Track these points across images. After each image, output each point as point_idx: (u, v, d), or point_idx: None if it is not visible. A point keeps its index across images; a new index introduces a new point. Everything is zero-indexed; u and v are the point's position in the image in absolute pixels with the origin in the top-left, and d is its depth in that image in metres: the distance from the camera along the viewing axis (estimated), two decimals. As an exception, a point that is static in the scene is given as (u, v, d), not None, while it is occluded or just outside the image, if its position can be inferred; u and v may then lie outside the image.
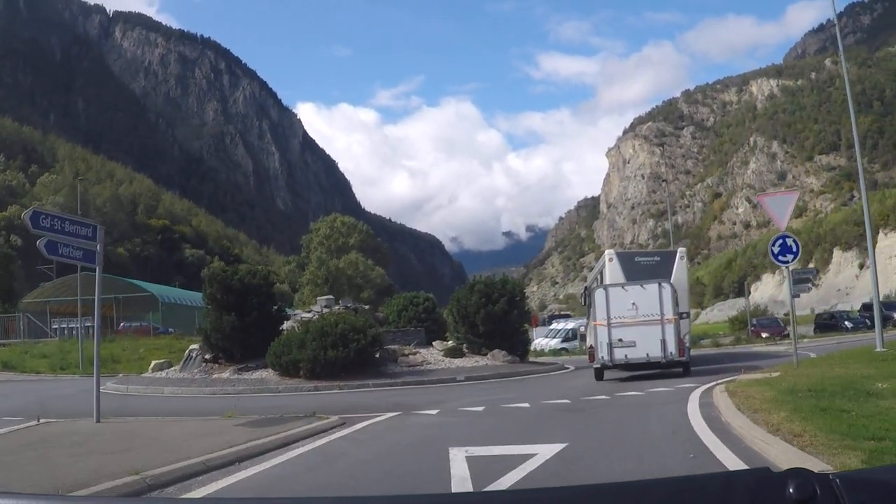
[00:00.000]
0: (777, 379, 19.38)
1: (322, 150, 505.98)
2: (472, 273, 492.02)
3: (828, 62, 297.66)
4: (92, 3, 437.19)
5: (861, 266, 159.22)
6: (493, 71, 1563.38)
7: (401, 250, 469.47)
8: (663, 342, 27.13)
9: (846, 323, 64.49)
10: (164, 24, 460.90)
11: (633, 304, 27.34)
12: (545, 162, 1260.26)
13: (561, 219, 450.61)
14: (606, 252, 36.30)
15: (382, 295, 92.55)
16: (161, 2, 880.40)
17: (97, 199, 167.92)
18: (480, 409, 19.49)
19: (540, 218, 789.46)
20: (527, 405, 20.02)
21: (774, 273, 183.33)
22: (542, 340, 60.74)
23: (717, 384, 21.00)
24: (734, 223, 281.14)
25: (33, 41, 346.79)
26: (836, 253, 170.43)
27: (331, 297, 44.95)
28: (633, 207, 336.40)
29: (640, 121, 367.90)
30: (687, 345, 29.09)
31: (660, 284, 27.88)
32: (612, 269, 33.14)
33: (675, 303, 27.87)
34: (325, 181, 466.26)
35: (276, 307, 36.92)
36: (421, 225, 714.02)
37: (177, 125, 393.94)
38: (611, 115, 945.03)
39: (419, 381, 30.63)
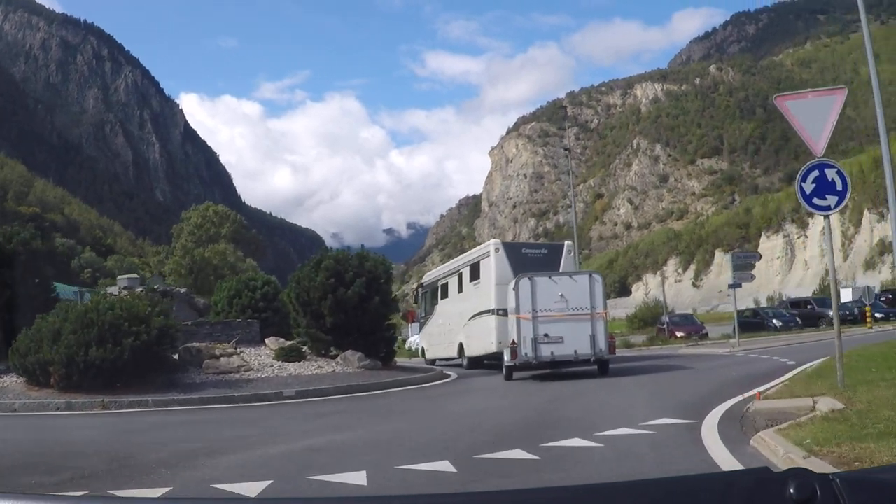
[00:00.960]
0: (860, 411, 11.45)
1: (203, 142, 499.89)
2: None
3: (712, 68, 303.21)
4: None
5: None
6: (379, 67, 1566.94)
7: (280, 245, 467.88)
8: (593, 338, 25.39)
9: (773, 321, 56.44)
10: (47, 7, 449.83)
11: (562, 296, 25.50)
12: (428, 160, 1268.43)
13: (442, 216, 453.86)
14: (491, 242, 33.65)
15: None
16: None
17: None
18: (261, 485, 9.42)
19: (421, 216, 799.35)
20: (362, 478, 9.74)
21: (656, 273, 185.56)
22: (418, 339, 49.27)
23: (729, 413, 14.15)
24: (615, 224, 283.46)
25: None
26: (718, 255, 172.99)
27: (134, 275, 39.09)
28: (514, 206, 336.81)
29: (523, 120, 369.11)
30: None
31: (591, 276, 26.61)
32: (498, 260, 31.19)
33: (605, 297, 26.74)
34: (206, 173, 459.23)
35: (37, 281, 28.50)
36: (302, 220, 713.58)
37: (56, 112, 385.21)
38: (494, 114, 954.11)
39: (226, 398, 21.88)
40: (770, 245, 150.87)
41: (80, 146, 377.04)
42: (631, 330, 67.56)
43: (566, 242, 35.48)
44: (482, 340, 31.63)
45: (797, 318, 56.24)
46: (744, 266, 39.32)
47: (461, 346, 34.62)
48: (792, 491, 1.93)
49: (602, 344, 25.45)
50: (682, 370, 26.75)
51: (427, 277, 45.03)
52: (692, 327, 55.31)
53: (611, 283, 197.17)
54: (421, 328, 44.13)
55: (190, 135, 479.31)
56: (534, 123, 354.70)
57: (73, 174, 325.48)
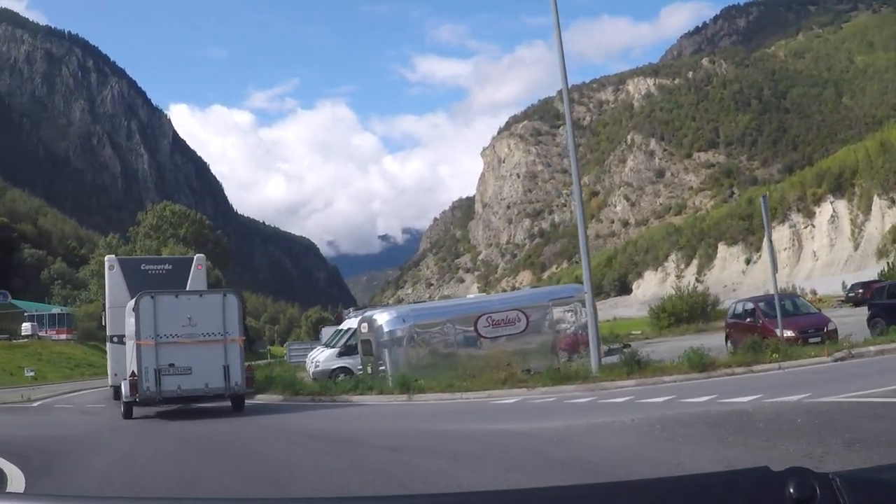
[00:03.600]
0: None
1: (193, 152, 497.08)
2: (347, 277, 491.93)
3: (705, 61, 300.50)
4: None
5: (748, 261, 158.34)
6: (368, 74, 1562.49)
7: (275, 254, 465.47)
8: (226, 368, 22.29)
9: None
10: (31, 20, 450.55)
11: (189, 318, 22.20)
12: (421, 164, 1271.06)
13: (436, 220, 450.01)
14: (106, 259, 32.38)
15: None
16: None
17: None
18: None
19: (416, 220, 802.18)
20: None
21: (657, 270, 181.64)
22: (317, 353, 38.03)
23: None
24: (612, 221, 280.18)
25: None
26: (722, 248, 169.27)
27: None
28: (508, 207, 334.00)
29: (515, 119, 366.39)
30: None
31: (224, 295, 23.87)
32: (112, 278, 29.27)
33: (242, 319, 23.98)
34: (197, 184, 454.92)
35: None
36: (296, 229, 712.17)
37: (42, 125, 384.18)
38: (485, 116, 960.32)
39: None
40: (776, 236, 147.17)
41: (66, 159, 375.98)
42: (658, 329, 57.61)
43: (198, 255, 32.70)
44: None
45: None
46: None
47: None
48: (791, 490, 1.93)
49: (237, 377, 22.41)
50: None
51: None
52: (809, 320, 29.62)
53: (610, 282, 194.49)
54: None
55: (179, 145, 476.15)
56: (525, 122, 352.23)
57: (59, 187, 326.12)
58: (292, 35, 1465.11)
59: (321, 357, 35.51)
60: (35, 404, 34.07)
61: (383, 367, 28.18)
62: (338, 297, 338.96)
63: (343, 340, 34.72)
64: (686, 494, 2.15)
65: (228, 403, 23.24)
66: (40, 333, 76.80)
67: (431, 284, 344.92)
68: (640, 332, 59.31)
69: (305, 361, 39.98)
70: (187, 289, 26.84)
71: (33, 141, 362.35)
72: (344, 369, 32.58)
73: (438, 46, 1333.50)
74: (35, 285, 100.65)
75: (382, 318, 29.63)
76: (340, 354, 34.03)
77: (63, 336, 78.83)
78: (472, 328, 29.25)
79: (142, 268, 30.51)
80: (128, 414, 22.91)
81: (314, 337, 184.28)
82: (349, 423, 20.27)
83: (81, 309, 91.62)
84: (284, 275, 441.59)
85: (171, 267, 31.14)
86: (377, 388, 26.60)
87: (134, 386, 21.78)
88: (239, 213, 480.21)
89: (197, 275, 29.48)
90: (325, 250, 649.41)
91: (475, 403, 22.52)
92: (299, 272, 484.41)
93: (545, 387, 23.44)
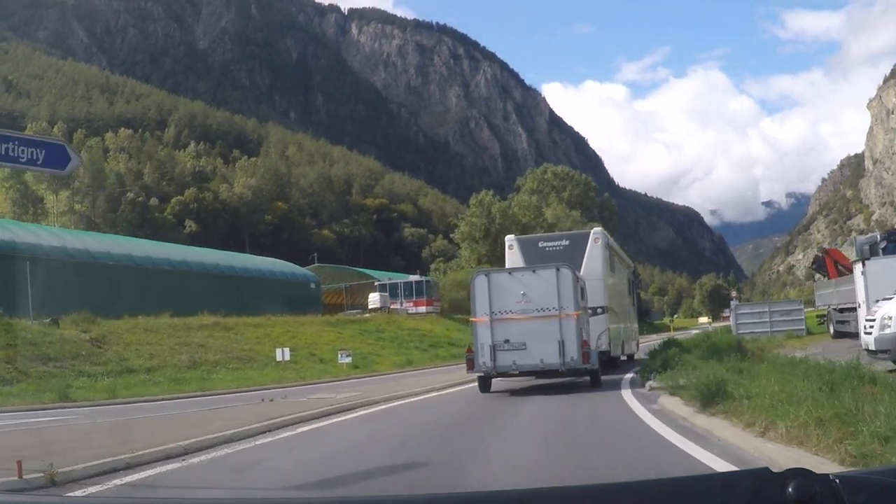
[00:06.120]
0: None
1: (570, 128, 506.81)
2: (732, 246, 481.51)
3: None
4: (327, 4, 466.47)
5: None
6: (738, 35, 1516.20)
7: (658, 225, 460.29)
8: (561, 344, 21.15)
9: None
10: (399, 15, 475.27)
11: (524, 294, 21.52)
12: (801, 124, 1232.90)
13: (824, 180, 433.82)
14: (506, 238, 31.51)
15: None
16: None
17: (301, 179, 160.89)
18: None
19: (800, 183, 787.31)
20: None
21: None
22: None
23: None
24: None
25: (268, 44, 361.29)
26: None
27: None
28: None
29: None
30: (596, 348, 23.64)
31: (558, 269, 21.95)
32: (511, 257, 29.28)
33: (580, 293, 22.15)
34: (576, 159, 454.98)
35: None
36: (678, 199, 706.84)
37: (419, 114, 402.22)
38: (862, 67, 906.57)
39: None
40: None
41: (446, 144, 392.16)
42: None
43: (595, 229, 31.07)
44: None
45: None
46: None
47: None
48: (792, 490, 1.93)
49: (573, 351, 21.16)
50: None
51: None
52: None
53: None
54: None
55: (556, 122, 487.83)
56: None
57: (441, 171, 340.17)
58: (657, 2, 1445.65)
59: None
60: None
61: None
62: (724, 267, 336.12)
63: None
64: (686, 494, 2.15)
65: (587, 378, 22.49)
66: (393, 306, 67.25)
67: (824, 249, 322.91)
68: None
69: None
70: (584, 262, 27.09)
71: (412, 129, 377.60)
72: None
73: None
74: (416, 263, 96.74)
75: None
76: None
77: (422, 308, 68.58)
78: None
79: (539, 245, 29.90)
80: (484, 387, 22.56)
81: (710, 306, 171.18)
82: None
83: (448, 277, 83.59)
84: (670, 245, 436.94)
85: (567, 242, 29.79)
86: None
87: (470, 362, 22.23)
88: (620, 185, 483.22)
89: (594, 249, 28.54)
90: (708, 219, 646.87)
91: None
92: (684, 242, 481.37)
93: None
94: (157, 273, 50.25)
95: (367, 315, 63.43)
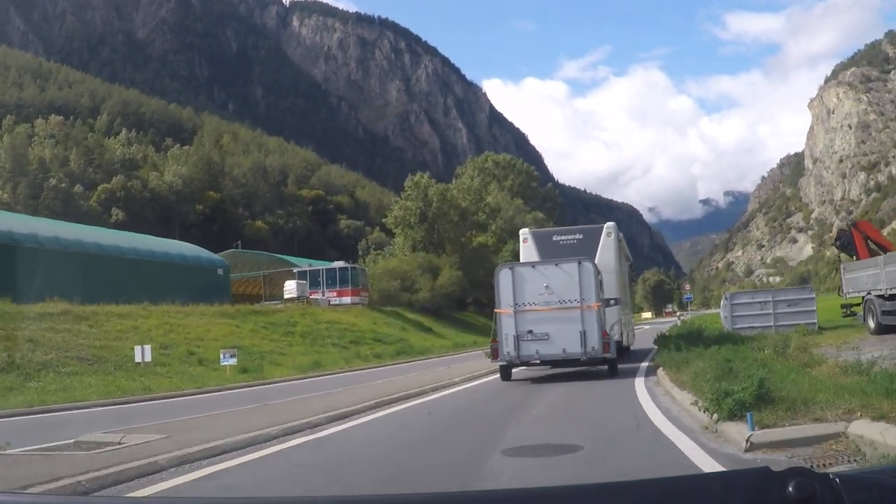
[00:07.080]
0: None
1: (511, 124, 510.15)
2: (671, 243, 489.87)
3: None
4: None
5: None
6: (679, 35, 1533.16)
7: (597, 222, 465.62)
8: (583, 334, 22.09)
9: None
10: (341, 8, 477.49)
11: (547, 287, 22.40)
12: (740, 124, 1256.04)
13: (763, 178, 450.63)
14: (521, 232, 32.54)
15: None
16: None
17: (235, 169, 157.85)
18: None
19: (738, 182, 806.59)
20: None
21: None
22: None
23: None
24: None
25: (208, 34, 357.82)
26: None
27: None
28: (841, 160, 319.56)
29: (842, 67, 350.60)
30: (615, 338, 24.54)
31: (579, 263, 22.90)
32: (525, 251, 30.19)
33: (599, 285, 23.09)
34: (516, 154, 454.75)
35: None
36: (617, 196, 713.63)
37: (359, 107, 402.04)
38: (800, 69, 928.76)
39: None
40: None
41: (386, 138, 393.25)
42: None
43: (608, 224, 31.65)
44: None
45: None
46: None
47: None
48: (792, 490, 1.92)
49: (594, 341, 22.17)
50: None
51: None
52: None
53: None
54: None
55: (496, 118, 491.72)
56: (853, 69, 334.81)
57: (381, 165, 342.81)
58: (600, 0, 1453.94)
59: None
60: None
61: None
62: (663, 263, 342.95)
63: None
64: (686, 494, 2.16)
65: (605, 367, 23.54)
66: (314, 296, 62.00)
67: (762, 246, 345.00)
68: None
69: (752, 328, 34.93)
70: (597, 256, 27.37)
71: (352, 123, 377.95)
72: None
73: (748, 1, 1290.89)
74: (353, 255, 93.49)
75: None
76: None
77: (346, 299, 63.52)
78: None
79: (553, 239, 30.75)
80: (506, 376, 23.80)
81: (654, 301, 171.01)
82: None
83: (379, 265, 77.81)
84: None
85: (581, 236, 30.75)
86: None
87: (495, 352, 23.40)
88: (560, 182, 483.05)
89: (606, 242, 29.47)
90: (646, 216, 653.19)
91: None
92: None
93: None
94: (44, 254, 42.08)
95: (280, 305, 57.97)
